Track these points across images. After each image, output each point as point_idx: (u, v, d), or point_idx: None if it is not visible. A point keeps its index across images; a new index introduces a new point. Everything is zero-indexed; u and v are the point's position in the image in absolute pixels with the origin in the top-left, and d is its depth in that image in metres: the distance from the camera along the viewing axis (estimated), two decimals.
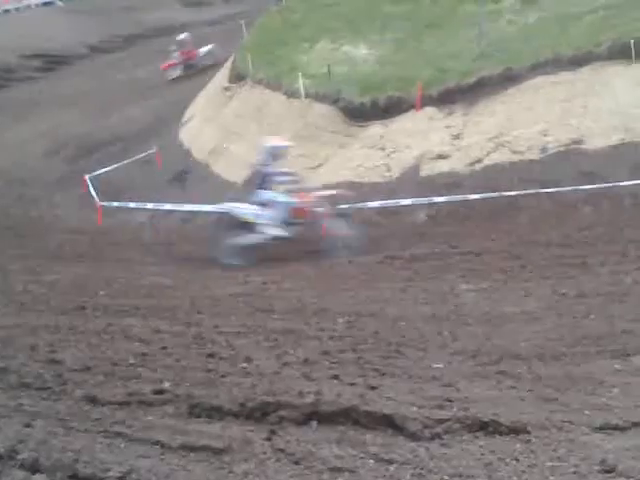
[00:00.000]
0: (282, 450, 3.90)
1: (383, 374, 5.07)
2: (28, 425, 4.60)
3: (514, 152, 11.32)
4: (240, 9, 28.95)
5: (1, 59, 25.85)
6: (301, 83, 14.24)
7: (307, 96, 14.17)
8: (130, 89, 22.25)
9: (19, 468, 4.12)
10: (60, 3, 32.34)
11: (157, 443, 4.28)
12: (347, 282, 8.29)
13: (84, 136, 18.95)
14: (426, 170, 12.03)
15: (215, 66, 22.14)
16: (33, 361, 5.87)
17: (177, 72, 23.19)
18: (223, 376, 5.34)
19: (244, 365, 5.55)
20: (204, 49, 23.44)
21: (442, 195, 10.90)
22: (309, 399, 4.59)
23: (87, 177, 14.89)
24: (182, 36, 23.50)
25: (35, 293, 8.70)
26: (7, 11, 30.78)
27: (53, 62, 26.97)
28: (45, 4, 32.05)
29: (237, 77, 16.84)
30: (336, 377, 5.07)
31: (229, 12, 29.95)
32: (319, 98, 14.05)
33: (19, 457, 4.18)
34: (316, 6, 20.26)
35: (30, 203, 15.60)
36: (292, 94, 14.59)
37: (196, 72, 22.72)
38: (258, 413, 4.66)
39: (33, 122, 20.41)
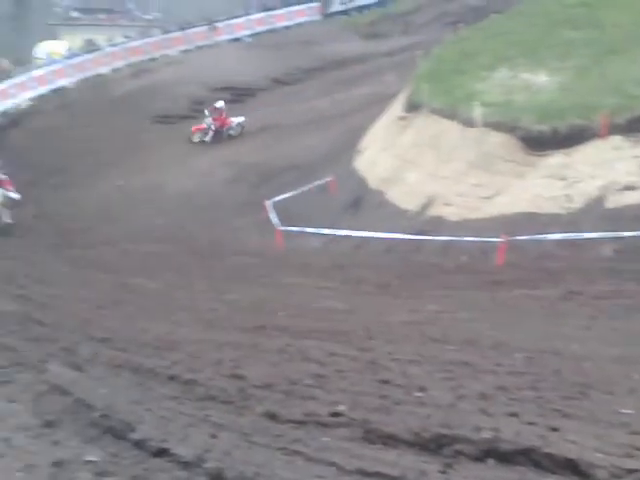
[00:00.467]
0: None
1: (565, 415, 4.82)
2: (214, 436, 4.85)
3: None
4: (417, 40, 29.19)
5: (193, 92, 27.81)
6: (477, 111, 14.07)
7: (483, 125, 13.96)
8: (310, 119, 23.05)
9: (205, 476, 4.38)
10: (248, 39, 34.34)
11: (333, 465, 4.35)
12: (526, 316, 8.00)
13: (265, 163, 19.89)
14: (612, 202, 11.41)
15: (239, 137, 22.66)
16: (219, 375, 6.20)
17: (206, 137, 23.69)
18: (397, 404, 5.33)
19: (418, 394, 5.51)
20: (237, 120, 23.87)
21: (631, 229, 10.25)
22: (486, 435, 4.47)
23: (267, 203, 15.62)
24: (218, 104, 23.94)
25: (219, 311, 9.23)
26: (200, 47, 33.16)
27: (240, 94, 28.54)
28: (234, 40, 34.18)
29: (413, 106, 16.95)
30: (514, 415, 4.90)
31: (406, 43, 30.26)
32: (496, 127, 13.80)
33: (205, 466, 4.43)
34: (493, 34, 20.00)
35: (215, 226, 16.58)
36: (468, 123, 14.44)
37: (219, 141, 23.32)
38: (433, 445, 4.61)
39: (219, 150, 21.75)
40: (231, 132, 23.70)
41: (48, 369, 6.31)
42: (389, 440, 4.79)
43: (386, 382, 5.84)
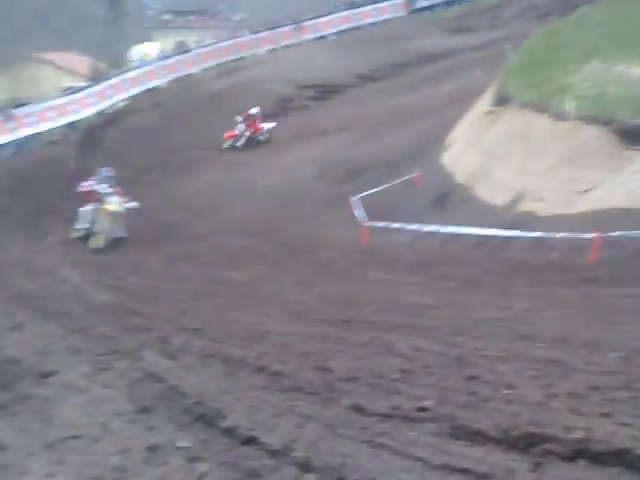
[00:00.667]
0: None
1: None
2: (300, 426, 4.95)
3: None
4: (504, 34, 28.56)
5: (280, 90, 28.20)
6: (570, 105, 13.64)
7: (576, 118, 13.52)
8: (396, 115, 22.96)
9: (292, 465, 4.47)
10: (333, 37, 34.52)
11: (419, 459, 4.36)
12: (620, 314, 7.71)
13: (352, 159, 19.95)
14: None
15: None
16: (305, 367, 6.31)
17: (238, 143, 23.83)
18: (485, 400, 5.28)
19: (507, 392, 5.43)
20: (268, 126, 23.83)
21: None
22: (577, 435, 4.37)
23: (353, 198, 15.68)
24: (253, 111, 23.86)
25: (307, 304, 9.36)
26: (287, 46, 33.59)
27: (326, 91, 28.75)
28: (319, 38, 34.43)
29: (501, 100, 16.61)
30: (607, 415, 4.76)
31: (494, 37, 29.66)
32: (589, 120, 13.32)
33: (293, 455, 4.52)
34: (585, 26, 19.32)
35: (302, 221, 16.77)
36: (559, 116, 14.01)
37: (250, 147, 23.36)
38: (522, 443, 4.54)
39: (307, 146, 21.96)
40: (260, 138, 24.06)
41: (143, 357, 6.58)
42: (476, 437, 4.76)
43: (473, 378, 5.78)
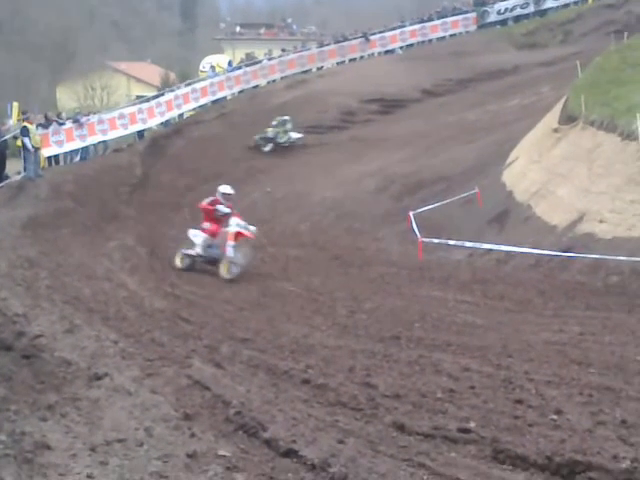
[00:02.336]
0: None
1: None
2: (341, 441, 4.94)
3: None
4: (576, 49, 27.99)
5: (345, 103, 28.32)
6: (639, 124, 13.25)
7: None
8: (458, 130, 22.76)
9: None
10: (400, 51, 34.46)
11: None
12: None
13: (411, 175, 19.85)
14: None
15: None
16: (350, 382, 6.31)
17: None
18: (531, 425, 5.18)
19: (554, 417, 5.32)
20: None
21: None
22: (625, 464, 4.26)
23: (411, 213, 15.59)
24: (286, 117, 24.53)
25: (356, 319, 9.36)
26: (353, 59, 33.71)
27: (390, 105, 28.67)
28: (387, 52, 34.43)
29: (568, 118, 16.26)
30: None
31: (564, 53, 29.12)
32: None
33: (330, 470, 4.51)
34: None
35: (357, 235, 16.77)
36: (628, 136, 13.62)
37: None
38: (565, 470, 4.45)
39: (368, 160, 21.94)
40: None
41: (191, 364, 6.68)
42: (519, 461, 4.68)
43: (520, 402, 5.70)
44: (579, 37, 32.21)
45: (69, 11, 60.37)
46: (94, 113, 24.74)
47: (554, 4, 35.41)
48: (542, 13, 35.52)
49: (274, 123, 24.69)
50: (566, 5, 35.27)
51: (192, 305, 10.26)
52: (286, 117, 24.84)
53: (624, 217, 12.22)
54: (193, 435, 4.98)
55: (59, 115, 22.65)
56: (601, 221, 12.59)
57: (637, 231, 11.73)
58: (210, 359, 7.02)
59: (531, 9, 35.60)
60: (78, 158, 21.73)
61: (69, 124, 21.49)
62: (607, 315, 9.00)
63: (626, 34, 23.24)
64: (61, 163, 21.26)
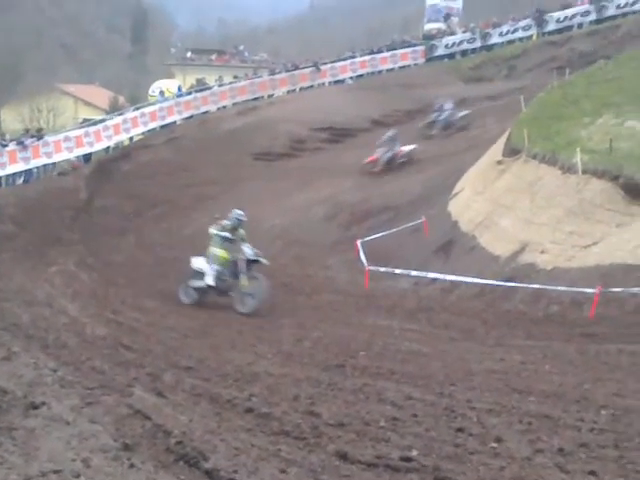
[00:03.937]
0: None
1: None
2: (283, 471, 4.90)
3: None
4: (520, 84, 28.87)
5: (295, 131, 28.52)
6: (579, 158, 13.71)
7: (585, 172, 13.57)
8: (405, 160, 23.09)
9: None
10: (350, 81, 34.95)
11: None
12: (615, 371, 7.65)
13: (359, 203, 20.04)
14: None
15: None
16: (294, 411, 6.27)
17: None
18: (471, 453, 5.23)
19: (494, 445, 5.38)
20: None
21: None
22: None
23: (358, 242, 15.72)
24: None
25: (302, 347, 9.34)
26: (304, 88, 34.02)
27: (339, 134, 28.97)
28: (337, 82, 34.88)
29: (512, 151, 16.72)
30: (593, 473, 4.72)
31: (509, 87, 29.98)
32: (598, 174, 13.36)
33: None
34: (599, 80, 19.55)
35: (305, 262, 16.80)
36: (568, 169, 14.07)
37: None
38: None
39: (317, 188, 22.06)
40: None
41: (132, 393, 6.54)
42: None
43: (461, 430, 5.75)
44: (523, 72, 33.18)
45: (17, 32, 59.59)
46: (39, 135, 24.24)
47: (500, 40, 36.48)
48: (488, 48, 36.51)
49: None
50: (511, 41, 36.37)
51: (135, 332, 10.08)
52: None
53: (564, 248, 12.58)
54: (132, 466, 4.85)
55: (3, 137, 22.21)
56: (542, 252, 12.92)
57: (576, 262, 12.08)
58: (152, 388, 6.89)
59: (478, 44, 36.61)
60: (21, 181, 21.31)
61: (12, 146, 21.09)
62: (547, 344, 9.20)
63: (568, 71, 24.09)
64: (3, 185, 20.82)
